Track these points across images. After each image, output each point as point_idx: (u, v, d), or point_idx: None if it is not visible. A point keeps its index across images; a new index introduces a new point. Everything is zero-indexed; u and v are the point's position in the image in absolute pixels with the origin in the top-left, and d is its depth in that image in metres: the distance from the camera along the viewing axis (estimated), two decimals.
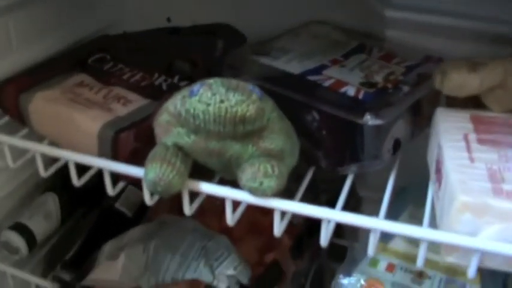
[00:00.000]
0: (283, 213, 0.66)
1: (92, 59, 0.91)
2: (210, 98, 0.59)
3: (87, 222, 1.07)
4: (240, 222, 0.71)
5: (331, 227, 0.66)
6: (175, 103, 0.63)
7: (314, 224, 0.68)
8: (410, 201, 0.91)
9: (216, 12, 1.04)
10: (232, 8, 1.04)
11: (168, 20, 1.11)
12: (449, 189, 0.60)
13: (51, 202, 1.00)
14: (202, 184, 0.66)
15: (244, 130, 0.61)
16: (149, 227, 0.91)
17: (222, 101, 0.59)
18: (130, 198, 1.05)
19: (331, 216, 0.63)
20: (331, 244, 0.68)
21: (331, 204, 0.69)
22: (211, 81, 0.61)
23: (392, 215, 0.86)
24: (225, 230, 0.89)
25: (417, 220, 0.84)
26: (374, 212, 0.68)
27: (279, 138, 0.64)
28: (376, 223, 0.61)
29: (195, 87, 0.61)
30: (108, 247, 0.91)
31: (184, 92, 0.63)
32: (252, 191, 0.62)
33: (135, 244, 0.88)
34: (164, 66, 0.88)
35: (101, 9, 1.06)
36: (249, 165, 0.62)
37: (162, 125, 0.65)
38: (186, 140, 0.64)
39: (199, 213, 0.80)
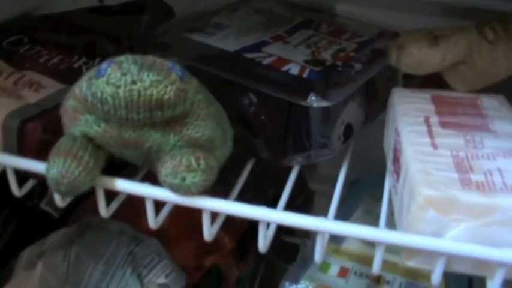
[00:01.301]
0: (215, 214, 0.56)
1: (7, 41, 0.81)
2: (120, 79, 0.49)
3: (9, 225, 0.96)
4: (176, 222, 0.62)
5: (272, 230, 0.56)
6: (81, 85, 0.52)
7: None
8: (365, 195, 0.83)
9: None
10: None
11: (100, 0, 1.01)
12: (409, 182, 0.52)
13: None
14: (118, 181, 0.56)
15: (163, 117, 0.51)
16: (71, 230, 0.81)
17: (134, 82, 0.49)
18: None
19: (271, 217, 0.53)
20: (281, 242, 0.58)
21: (279, 200, 0.62)
22: (122, 58, 0.51)
23: (345, 211, 0.79)
24: (159, 232, 0.79)
25: (372, 216, 0.77)
26: (327, 207, 0.60)
27: (207, 125, 0.54)
28: (324, 224, 0.52)
29: (103, 65, 0.51)
30: (26, 254, 0.81)
31: (92, 72, 0.52)
32: (174, 188, 0.52)
33: (55, 250, 0.78)
34: (86, 47, 0.78)
35: None
36: (169, 158, 0.53)
37: (68, 112, 0.55)
38: (96, 129, 0.53)
39: (128, 213, 0.71)
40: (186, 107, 0.52)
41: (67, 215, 0.95)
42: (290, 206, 0.62)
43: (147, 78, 0.49)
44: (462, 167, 0.52)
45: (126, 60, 0.51)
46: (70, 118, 0.55)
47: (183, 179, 0.52)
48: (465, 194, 0.48)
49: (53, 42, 0.79)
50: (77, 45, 0.79)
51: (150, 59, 0.51)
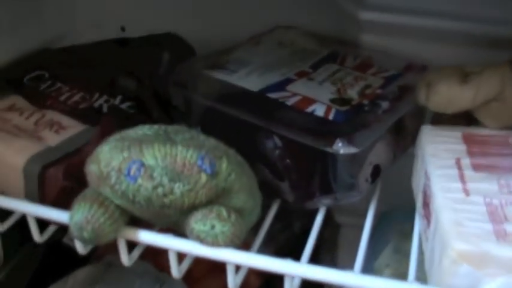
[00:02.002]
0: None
1: (28, 78, 0.80)
2: (152, 192, 0.50)
3: (34, 259, 0.95)
4: (199, 261, 0.60)
5: (297, 281, 0.54)
6: (110, 172, 0.51)
7: (291, 252, 0.59)
8: (394, 230, 0.80)
9: (174, 21, 0.93)
10: (192, 16, 0.93)
11: (123, 29, 1.00)
12: (440, 233, 0.49)
13: None
14: (140, 232, 0.55)
15: (194, 209, 0.52)
16: (95, 269, 0.80)
17: (165, 195, 0.50)
18: None
19: (296, 271, 0.52)
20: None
21: (306, 233, 0.60)
22: (152, 162, 0.50)
23: (374, 249, 0.77)
24: None
25: (402, 255, 0.75)
26: (354, 241, 0.60)
27: (238, 197, 0.54)
28: (351, 279, 0.50)
29: (133, 167, 0.50)
30: None
31: (120, 158, 0.51)
32: (201, 237, 0.52)
33: None
34: (107, 83, 0.77)
35: (49, 19, 0.94)
36: (200, 208, 0.52)
37: (93, 177, 0.54)
38: (122, 201, 0.53)
39: (151, 253, 0.69)
40: (218, 193, 0.52)
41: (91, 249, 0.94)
42: (317, 240, 0.61)
43: (178, 190, 0.50)
44: (496, 216, 0.50)
45: (157, 167, 0.50)
46: (95, 183, 0.54)
47: (213, 227, 0.51)
48: (500, 248, 0.46)
49: (73, 78, 0.79)
50: (98, 81, 0.78)
51: (179, 160, 0.50)
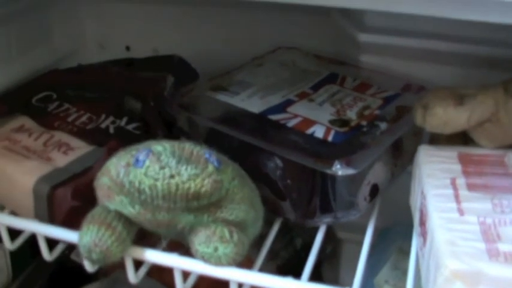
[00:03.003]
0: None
1: (36, 99, 0.81)
2: (158, 173, 0.51)
3: (43, 275, 0.98)
4: (204, 277, 0.62)
5: None
6: (118, 170, 0.53)
7: (293, 267, 0.62)
8: (393, 248, 0.81)
9: (178, 41, 0.96)
10: (195, 37, 0.95)
11: (127, 48, 1.02)
12: (435, 251, 0.51)
13: (1, 255, 0.89)
14: (147, 251, 0.57)
15: (198, 205, 0.53)
16: (102, 285, 0.81)
17: (172, 176, 0.51)
18: None
19: None
20: None
21: (308, 249, 0.63)
22: (160, 148, 0.52)
23: (373, 266, 0.78)
24: None
25: (401, 272, 0.76)
26: (356, 256, 0.61)
27: (240, 208, 0.56)
28: None
29: (141, 154, 0.52)
30: None
31: (129, 156, 0.53)
32: (205, 258, 0.54)
33: None
34: (114, 105, 0.79)
35: (57, 40, 0.97)
36: (203, 228, 0.54)
37: (103, 189, 0.56)
38: (130, 210, 0.55)
39: (157, 270, 0.70)
40: (222, 195, 0.54)
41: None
42: (319, 256, 0.63)
43: (185, 172, 0.51)
44: (489, 235, 0.51)
45: (165, 152, 0.52)
46: (104, 195, 0.56)
47: (216, 249, 0.53)
48: (492, 267, 0.48)
49: (81, 99, 0.80)
50: (105, 103, 0.79)
51: (187, 149, 0.52)
